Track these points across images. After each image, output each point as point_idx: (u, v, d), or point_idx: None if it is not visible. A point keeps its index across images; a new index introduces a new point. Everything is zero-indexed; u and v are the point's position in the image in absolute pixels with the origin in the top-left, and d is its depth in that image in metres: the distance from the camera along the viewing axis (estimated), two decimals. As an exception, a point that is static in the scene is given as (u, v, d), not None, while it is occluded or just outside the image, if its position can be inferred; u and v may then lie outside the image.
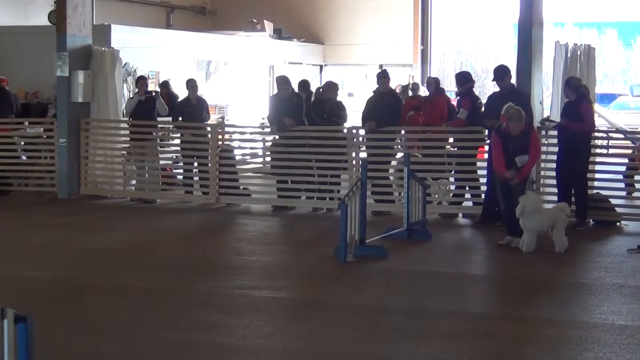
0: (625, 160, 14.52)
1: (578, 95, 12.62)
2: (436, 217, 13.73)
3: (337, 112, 14.70)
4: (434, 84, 15.31)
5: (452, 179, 14.48)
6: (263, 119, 19.36)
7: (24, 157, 16.81)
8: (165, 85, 17.98)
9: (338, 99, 15.13)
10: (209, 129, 15.57)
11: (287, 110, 14.63)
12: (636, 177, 14.20)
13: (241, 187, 15.42)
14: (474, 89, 14.39)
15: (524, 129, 11.26)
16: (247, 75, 24.95)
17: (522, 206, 10.92)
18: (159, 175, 16.23)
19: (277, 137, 15.11)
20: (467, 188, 14.18)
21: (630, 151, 14.45)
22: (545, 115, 13.67)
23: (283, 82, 14.97)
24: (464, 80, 14.05)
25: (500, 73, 13.13)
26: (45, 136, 16.56)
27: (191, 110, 15.53)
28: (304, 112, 14.76)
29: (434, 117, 14.34)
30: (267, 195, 15.28)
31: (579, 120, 12.55)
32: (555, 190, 12.98)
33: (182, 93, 16.44)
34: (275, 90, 15.38)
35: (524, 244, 10.99)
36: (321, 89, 15.57)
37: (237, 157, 15.96)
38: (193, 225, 13.75)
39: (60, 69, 15.68)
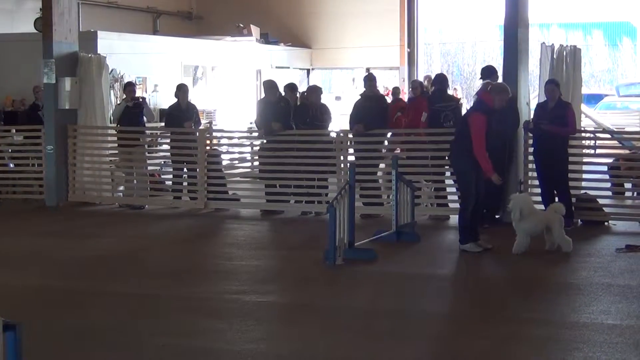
0: (611, 160, 14.60)
1: (560, 98, 12.74)
2: (425, 219, 13.74)
3: (320, 116, 14.70)
4: (419, 87, 15.36)
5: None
6: (251, 123, 19.37)
7: (11, 165, 16.77)
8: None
9: (324, 102, 15.15)
10: (196, 134, 15.57)
11: (274, 115, 14.63)
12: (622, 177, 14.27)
13: (230, 192, 15.40)
14: (451, 90, 14.53)
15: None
16: (235, 80, 24.96)
17: (518, 210, 10.92)
18: (147, 181, 16.21)
19: (264, 141, 15.12)
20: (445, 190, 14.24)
21: (615, 151, 14.51)
22: (531, 117, 13.70)
23: (270, 86, 14.99)
24: (435, 82, 14.27)
25: (487, 72, 13.25)
26: (22, 140, 16.53)
27: (180, 116, 15.50)
28: (292, 116, 14.77)
29: (417, 120, 14.41)
30: (255, 199, 15.28)
31: (565, 124, 12.64)
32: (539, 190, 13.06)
33: (169, 98, 16.39)
34: (263, 95, 15.36)
35: (515, 245, 11.03)
36: (305, 93, 15.58)
37: (225, 162, 15.95)
38: (182, 231, 13.74)
39: (46, 76, 15.65)
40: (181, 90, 15.66)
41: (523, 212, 10.90)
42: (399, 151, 14.52)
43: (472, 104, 11.36)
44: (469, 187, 11.19)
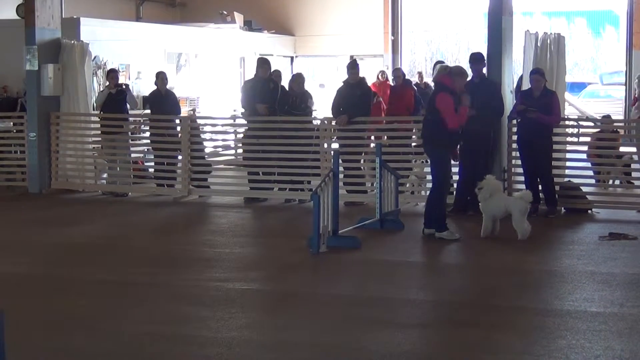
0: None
1: (545, 87, 12.76)
2: (411, 207, 13.75)
3: (299, 105, 14.65)
4: (401, 75, 15.34)
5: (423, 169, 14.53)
6: (235, 110, 19.30)
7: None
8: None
9: (309, 90, 15.11)
10: (178, 121, 15.53)
11: (261, 95, 14.56)
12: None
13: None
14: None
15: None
16: (218, 68, 24.86)
17: (487, 191, 11.03)
18: (130, 168, 16.16)
19: (248, 128, 15.07)
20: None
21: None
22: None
23: (263, 62, 14.92)
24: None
25: (475, 59, 13.17)
26: (14, 130, 16.44)
27: (160, 102, 15.48)
28: (278, 100, 14.71)
29: (400, 108, 14.42)
30: (239, 187, 15.24)
31: (550, 112, 12.67)
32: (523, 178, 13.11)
33: (152, 86, 16.34)
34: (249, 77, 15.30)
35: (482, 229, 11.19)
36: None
37: (208, 150, 15.89)
38: (165, 219, 13.71)
39: (29, 62, 15.57)
40: (159, 77, 15.66)
41: (491, 192, 11.04)
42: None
43: (433, 88, 11.49)
44: (445, 175, 11.27)
